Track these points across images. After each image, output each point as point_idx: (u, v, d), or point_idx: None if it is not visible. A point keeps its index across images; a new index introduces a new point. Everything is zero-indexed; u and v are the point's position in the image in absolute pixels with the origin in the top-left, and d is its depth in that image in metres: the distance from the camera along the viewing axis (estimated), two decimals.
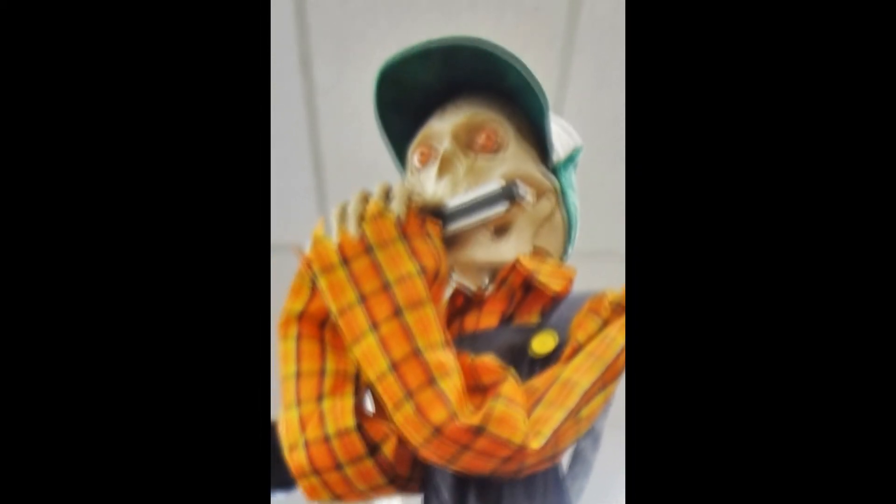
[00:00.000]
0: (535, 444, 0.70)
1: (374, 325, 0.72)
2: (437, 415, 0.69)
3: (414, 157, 0.90)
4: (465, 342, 0.81)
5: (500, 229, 0.85)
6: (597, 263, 1.92)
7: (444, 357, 0.72)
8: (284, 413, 0.79)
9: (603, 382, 0.74)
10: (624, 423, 0.79)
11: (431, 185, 0.87)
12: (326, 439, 0.77)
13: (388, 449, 0.78)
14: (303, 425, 0.77)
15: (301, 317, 0.81)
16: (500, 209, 0.80)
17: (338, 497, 0.79)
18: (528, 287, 0.85)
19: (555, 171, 0.90)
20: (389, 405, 0.71)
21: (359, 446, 0.77)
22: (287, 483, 0.82)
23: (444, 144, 0.87)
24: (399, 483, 0.81)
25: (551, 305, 0.83)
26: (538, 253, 0.88)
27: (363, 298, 0.73)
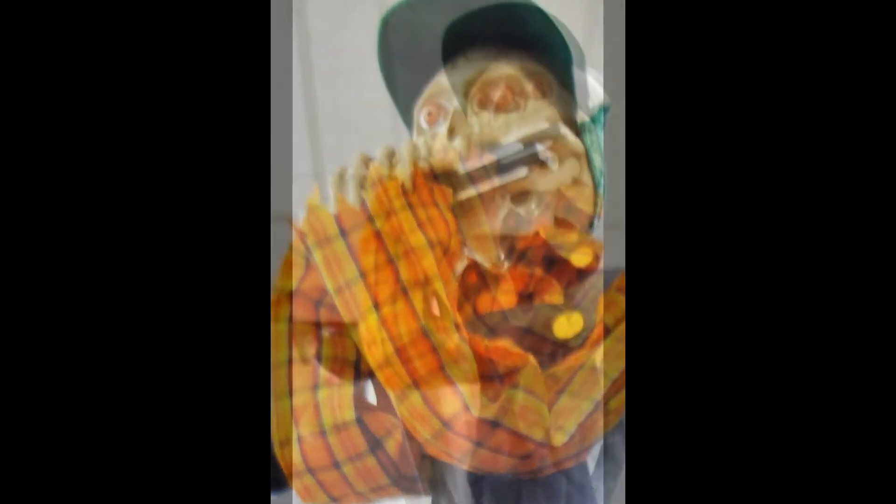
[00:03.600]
0: (558, 439, 0.70)
1: (377, 305, 0.72)
2: (448, 406, 0.69)
3: (421, 115, 0.91)
4: (479, 324, 0.81)
5: (519, 197, 0.85)
6: None
7: (455, 341, 0.72)
8: (275, 404, 0.79)
9: None
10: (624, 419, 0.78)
11: (441, 148, 0.86)
12: (322, 434, 0.76)
13: (392, 445, 0.77)
14: (296, 418, 0.77)
15: (293, 296, 0.80)
16: (518, 174, 0.80)
17: (335, 499, 0.79)
18: (550, 262, 0.85)
19: (580, 132, 0.89)
20: (393, 395, 0.71)
21: (359, 442, 0.76)
22: (278, 483, 0.82)
23: (455, 102, 0.87)
24: (404, 484, 0.80)
25: (576, 283, 0.83)
26: (561, 224, 0.87)
27: (364, 274, 0.73)
